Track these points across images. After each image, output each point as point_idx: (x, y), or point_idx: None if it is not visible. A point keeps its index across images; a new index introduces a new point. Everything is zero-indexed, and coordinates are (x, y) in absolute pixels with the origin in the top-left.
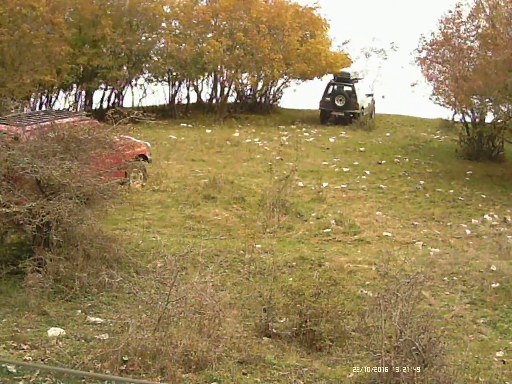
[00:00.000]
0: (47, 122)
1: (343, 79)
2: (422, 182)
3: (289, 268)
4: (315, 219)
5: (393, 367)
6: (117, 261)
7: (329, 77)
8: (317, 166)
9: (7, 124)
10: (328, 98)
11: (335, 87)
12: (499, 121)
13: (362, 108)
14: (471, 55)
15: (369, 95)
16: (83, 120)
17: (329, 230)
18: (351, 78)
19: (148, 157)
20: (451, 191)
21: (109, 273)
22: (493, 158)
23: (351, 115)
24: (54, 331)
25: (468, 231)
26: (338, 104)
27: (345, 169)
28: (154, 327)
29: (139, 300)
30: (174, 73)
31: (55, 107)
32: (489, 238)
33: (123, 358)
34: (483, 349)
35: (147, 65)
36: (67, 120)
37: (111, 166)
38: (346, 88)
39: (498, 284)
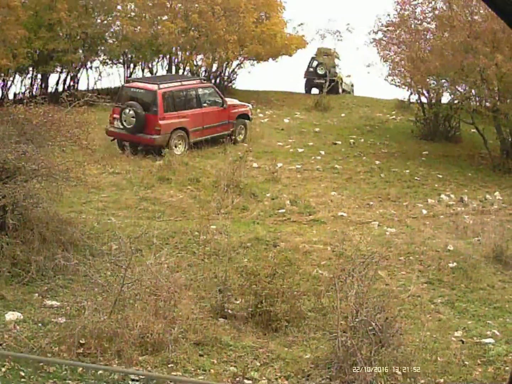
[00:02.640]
0: (176, 83)
1: (324, 53)
2: (377, 162)
3: (244, 249)
4: (269, 199)
5: (350, 347)
6: (73, 244)
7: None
8: (272, 147)
9: (146, 83)
10: (311, 69)
11: (318, 59)
12: (455, 101)
13: (341, 79)
14: (428, 37)
15: (348, 76)
16: (202, 83)
17: (284, 210)
18: (332, 53)
19: (250, 116)
20: (407, 171)
21: (65, 256)
22: (450, 139)
23: (332, 82)
24: (11, 315)
25: (424, 211)
26: (320, 72)
27: (300, 150)
28: (110, 310)
29: (95, 283)
30: (129, 56)
31: (11, 91)
32: (446, 217)
33: (80, 341)
34: (441, 329)
35: (102, 48)
36: (190, 82)
37: (222, 120)
38: (327, 59)
39: (455, 264)
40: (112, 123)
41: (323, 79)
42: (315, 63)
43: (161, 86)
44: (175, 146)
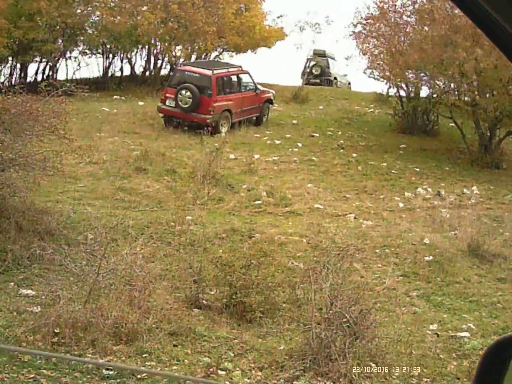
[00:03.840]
0: (223, 69)
1: (319, 54)
2: (354, 155)
3: (219, 239)
4: (246, 191)
5: (324, 339)
6: (49, 233)
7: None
8: (249, 138)
9: (199, 68)
10: (308, 69)
11: (313, 60)
12: (434, 95)
13: (335, 78)
14: (407, 30)
15: (345, 75)
16: (241, 70)
17: (260, 202)
18: (326, 54)
19: (273, 100)
20: (384, 164)
21: (41, 245)
22: (428, 132)
23: (326, 81)
24: None
25: (401, 204)
26: (315, 72)
27: (277, 142)
28: (85, 299)
29: (70, 272)
30: (108, 46)
31: None
32: (422, 211)
33: (55, 330)
34: (416, 322)
35: (81, 38)
36: (233, 69)
37: (255, 104)
38: (321, 60)
39: (431, 257)
40: (163, 102)
41: (318, 79)
42: (310, 63)
43: (215, 71)
44: (222, 126)
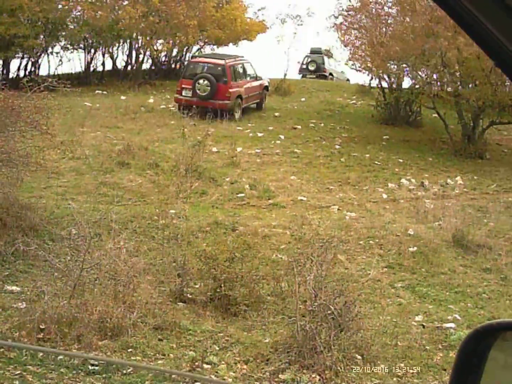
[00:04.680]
0: (232, 59)
1: (315, 52)
2: (337, 146)
3: (203, 233)
4: (229, 184)
5: (309, 332)
6: (33, 229)
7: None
8: (231, 131)
9: (212, 58)
10: (304, 65)
11: (310, 58)
12: (416, 86)
13: (331, 74)
14: (389, 21)
15: (342, 72)
16: (245, 60)
17: (243, 195)
18: (322, 52)
19: (268, 87)
20: (367, 155)
21: (25, 241)
22: (411, 123)
23: (320, 76)
24: None
25: (384, 195)
26: (311, 68)
27: (259, 134)
28: (70, 295)
29: (55, 268)
30: (90, 41)
31: None
32: (406, 202)
33: (40, 326)
34: (402, 313)
35: (63, 33)
36: (239, 59)
37: (257, 90)
38: (317, 57)
39: (415, 248)
40: (179, 93)
41: (314, 74)
42: (306, 59)
43: (227, 60)
44: (235, 111)
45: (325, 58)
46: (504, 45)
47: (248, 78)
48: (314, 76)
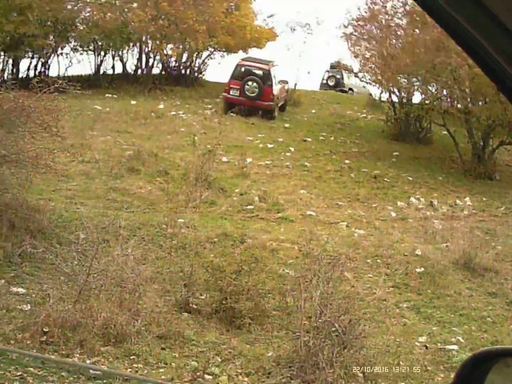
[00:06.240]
0: (270, 64)
1: (335, 67)
2: (347, 161)
3: (211, 244)
4: (238, 195)
5: (312, 348)
6: (41, 232)
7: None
8: (241, 141)
9: (258, 63)
10: (324, 81)
11: (330, 73)
12: (427, 101)
13: (350, 89)
14: (399, 33)
15: (364, 86)
16: (276, 65)
17: (252, 207)
18: (340, 67)
19: (289, 91)
20: (377, 171)
21: (32, 243)
22: (421, 140)
23: (340, 91)
24: None
25: (393, 214)
26: (330, 83)
27: (269, 145)
28: (75, 299)
29: (61, 272)
30: (100, 43)
31: None
32: (415, 221)
33: (44, 329)
34: (405, 334)
35: (72, 34)
36: (272, 64)
37: (284, 93)
38: (336, 72)
39: (422, 269)
40: (227, 92)
41: (333, 89)
42: (326, 75)
43: (271, 66)
44: (274, 111)
45: (343, 73)
46: (506, 69)
47: (278, 82)
48: (334, 91)
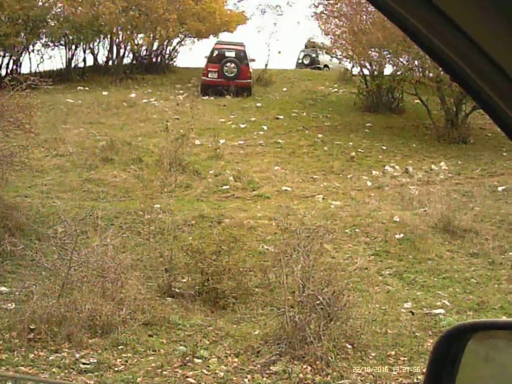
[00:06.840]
0: (243, 46)
1: (310, 46)
2: (320, 135)
3: (188, 226)
4: (213, 176)
5: (298, 323)
6: (19, 229)
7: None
8: (214, 123)
9: (232, 45)
10: (300, 60)
11: (304, 52)
12: (398, 73)
13: (326, 66)
14: (369, 9)
15: (340, 62)
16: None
17: (227, 187)
18: (314, 46)
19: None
20: (350, 143)
21: (12, 241)
22: (393, 110)
23: (315, 69)
24: None
25: (369, 183)
26: (306, 62)
27: (242, 126)
28: (58, 294)
29: (42, 267)
30: (71, 37)
31: None
32: (391, 189)
33: (30, 326)
34: (390, 301)
35: (43, 30)
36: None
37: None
38: (311, 51)
39: (402, 235)
40: (205, 75)
41: (308, 67)
42: (301, 54)
43: (244, 47)
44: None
45: (318, 51)
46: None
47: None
48: (309, 69)
